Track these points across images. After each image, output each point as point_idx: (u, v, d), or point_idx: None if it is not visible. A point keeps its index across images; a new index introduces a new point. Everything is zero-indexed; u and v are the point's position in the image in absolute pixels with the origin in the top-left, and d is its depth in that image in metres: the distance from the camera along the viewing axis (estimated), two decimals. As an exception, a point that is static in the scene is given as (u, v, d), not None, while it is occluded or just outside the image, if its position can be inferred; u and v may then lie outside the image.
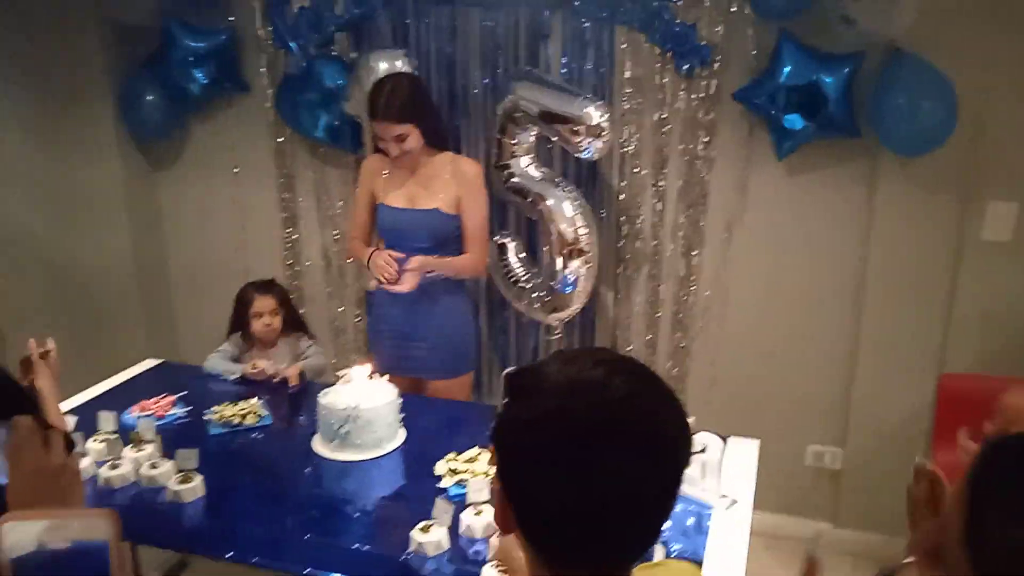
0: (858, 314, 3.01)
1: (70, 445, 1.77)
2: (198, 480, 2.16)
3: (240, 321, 2.92)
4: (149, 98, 3.40)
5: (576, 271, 2.86)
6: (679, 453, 0.87)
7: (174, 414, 2.59)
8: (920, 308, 2.92)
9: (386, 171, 2.76)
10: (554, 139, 2.86)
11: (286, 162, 3.47)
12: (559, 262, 2.86)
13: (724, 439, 2.23)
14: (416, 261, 2.65)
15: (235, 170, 3.53)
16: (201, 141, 3.57)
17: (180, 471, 2.19)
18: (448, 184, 2.68)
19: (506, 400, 0.90)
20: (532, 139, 2.93)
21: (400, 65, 2.96)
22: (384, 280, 2.68)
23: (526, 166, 2.95)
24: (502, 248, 3.09)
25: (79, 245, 3.47)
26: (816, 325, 3.08)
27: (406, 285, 2.64)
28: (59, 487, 0.97)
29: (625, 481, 0.82)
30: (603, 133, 2.70)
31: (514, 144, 2.93)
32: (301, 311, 3.21)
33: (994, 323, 2.86)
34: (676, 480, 0.87)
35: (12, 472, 0.95)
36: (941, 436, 2.92)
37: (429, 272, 2.67)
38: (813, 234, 3.00)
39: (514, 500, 0.88)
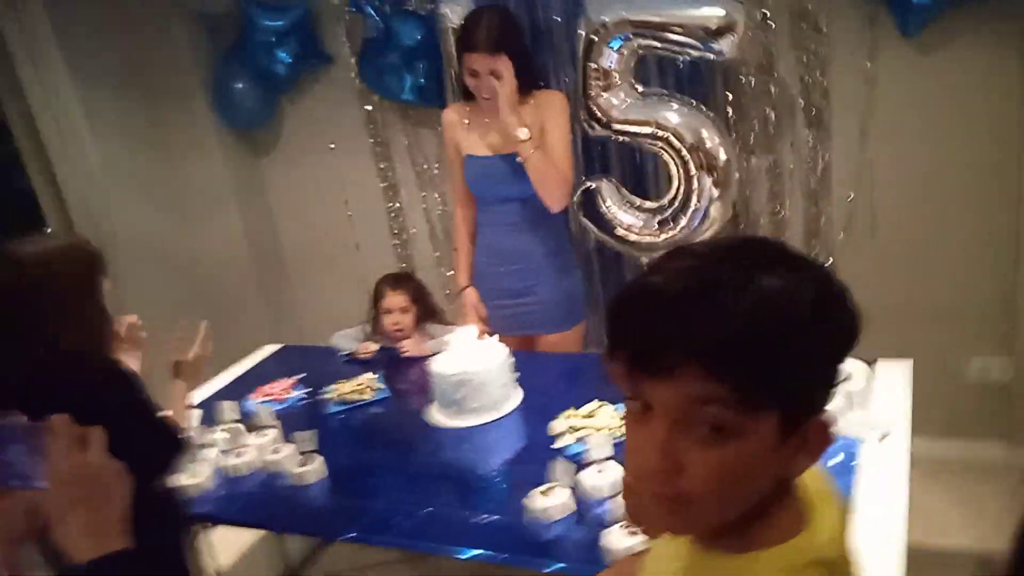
0: (1018, 202, 2.62)
1: (175, 451, 1.76)
2: (318, 461, 2.13)
3: (374, 312, 2.81)
4: (238, 85, 3.40)
5: (708, 192, 2.60)
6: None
7: (295, 397, 2.58)
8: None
9: (467, 120, 2.62)
10: (670, 50, 2.57)
11: (378, 130, 3.39)
12: (695, 183, 2.60)
13: (871, 364, 1.97)
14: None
15: (331, 146, 3.49)
16: (295, 121, 3.56)
17: (301, 454, 2.17)
18: (531, 120, 2.49)
19: None
20: (622, 59, 2.63)
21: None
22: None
23: (631, 87, 2.68)
24: (592, 195, 2.80)
25: (194, 239, 3.54)
26: (972, 221, 2.72)
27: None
28: (100, 488, 0.89)
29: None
30: (736, 25, 2.42)
31: (615, 70, 2.65)
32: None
33: None
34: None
35: (50, 474, 0.89)
36: None
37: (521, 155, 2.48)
38: (959, 117, 2.62)
39: None
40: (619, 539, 1.63)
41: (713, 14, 2.45)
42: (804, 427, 0.74)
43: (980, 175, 2.66)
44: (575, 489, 1.82)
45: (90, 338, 1.72)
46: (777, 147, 2.83)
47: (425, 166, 3.37)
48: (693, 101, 2.66)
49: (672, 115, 2.60)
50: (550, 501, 1.80)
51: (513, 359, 2.34)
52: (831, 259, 2.90)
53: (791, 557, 0.76)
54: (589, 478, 1.84)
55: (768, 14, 2.68)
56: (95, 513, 0.90)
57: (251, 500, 2.11)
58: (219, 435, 2.33)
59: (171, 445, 1.78)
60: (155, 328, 3.09)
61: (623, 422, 0.77)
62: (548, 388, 2.36)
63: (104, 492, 0.91)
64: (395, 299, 2.76)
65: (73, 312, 1.68)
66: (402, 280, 2.83)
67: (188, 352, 2.10)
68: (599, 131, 2.68)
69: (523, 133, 2.42)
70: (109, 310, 1.80)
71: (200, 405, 2.55)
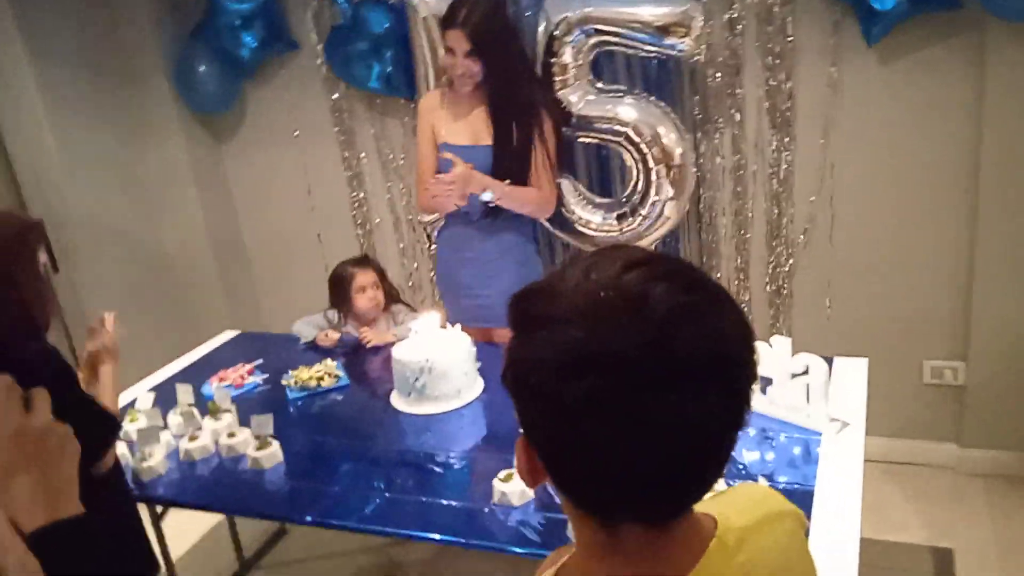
0: (974, 211, 2.69)
1: (110, 433, 1.72)
2: (275, 446, 2.10)
3: (341, 298, 2.77)
4: (202, 68, 3.34)
5: (666, 186, 2.66)
6: (745, 374, 0.68)
7: (253, 383, 2.55)
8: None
9: (445, 107, 2.60)
10: (628, 47, 2.64)
11: (344, 119, 3.36)
12: (653, 175, 2.66)
13: (829, 360, 2.00)
14: (473, 178, 2.48)
15: (295, 133, 3.45)
16: (259, 107, 3.50)
17: (257, 438, 2.14)
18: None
19: (516, 333, 0.72)
20: (580, 55, 2.67)
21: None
22: (444, 196, 2.51)
23: (590, 84, 2.72)
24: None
25: (152, 222, 3.48)
26: (928, 228, 2.78)
27: (452, 197, 2.50)
28: (44, 451, 0.86)
29: (683, 424, 0.64)
30: (692, 23, 2.50)
31: (574, 66, 2.69)
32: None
33: None
34: (744, 407, 0.69)
35: None
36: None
37: (492, 200, 2.49)
38: (918, 126, 2.68)
39: (541, 453, 0.70)
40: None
41: (670, 11, 2.51)
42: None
43: (937, 182, 2.72)
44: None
45: (27, 308, 1.67)
46: (742, 148, 2.87)
47: (391, 156, 3.34)
48: (652, 97, 2.70)
49: (630, 110, 2.67)
50: (509, 487, 1.81)
51: (475, 349, 2.33)
52: (792, 260, 2.94)
53: None
54: (550, 465, 1.84)
55: (735, 17, 2.72)
56: (43, 476, 0.86)
57: (206, 484, 2.07)
58: (174, 419, 2.29)
59: (106, 425, 1.73)
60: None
61: None
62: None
63: (51, 455, 0.87)
64: (365, 276, 2.74)
65: (6, 279, 1.64)
66: (363, 260, 2.83)
67: (103, 338, 1.98)
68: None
69: (486, 196, 2.50)
70: (51, 284, 1.75)
71: (156, 388, 2.51)
